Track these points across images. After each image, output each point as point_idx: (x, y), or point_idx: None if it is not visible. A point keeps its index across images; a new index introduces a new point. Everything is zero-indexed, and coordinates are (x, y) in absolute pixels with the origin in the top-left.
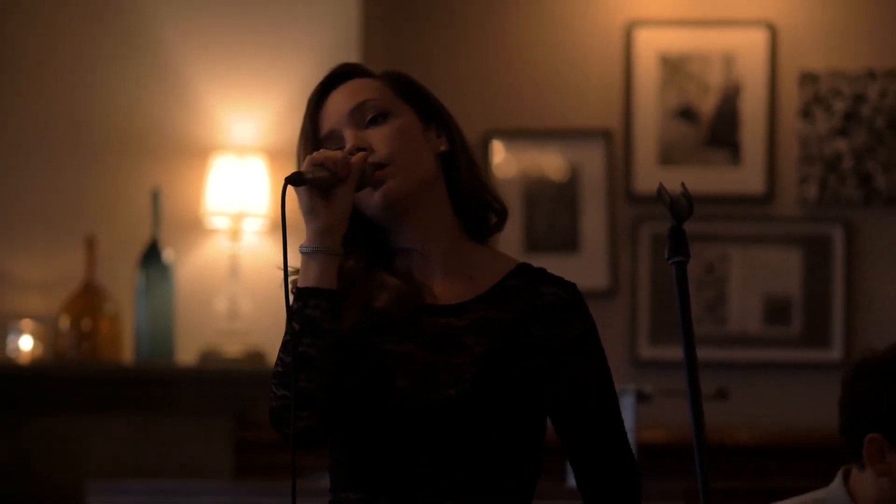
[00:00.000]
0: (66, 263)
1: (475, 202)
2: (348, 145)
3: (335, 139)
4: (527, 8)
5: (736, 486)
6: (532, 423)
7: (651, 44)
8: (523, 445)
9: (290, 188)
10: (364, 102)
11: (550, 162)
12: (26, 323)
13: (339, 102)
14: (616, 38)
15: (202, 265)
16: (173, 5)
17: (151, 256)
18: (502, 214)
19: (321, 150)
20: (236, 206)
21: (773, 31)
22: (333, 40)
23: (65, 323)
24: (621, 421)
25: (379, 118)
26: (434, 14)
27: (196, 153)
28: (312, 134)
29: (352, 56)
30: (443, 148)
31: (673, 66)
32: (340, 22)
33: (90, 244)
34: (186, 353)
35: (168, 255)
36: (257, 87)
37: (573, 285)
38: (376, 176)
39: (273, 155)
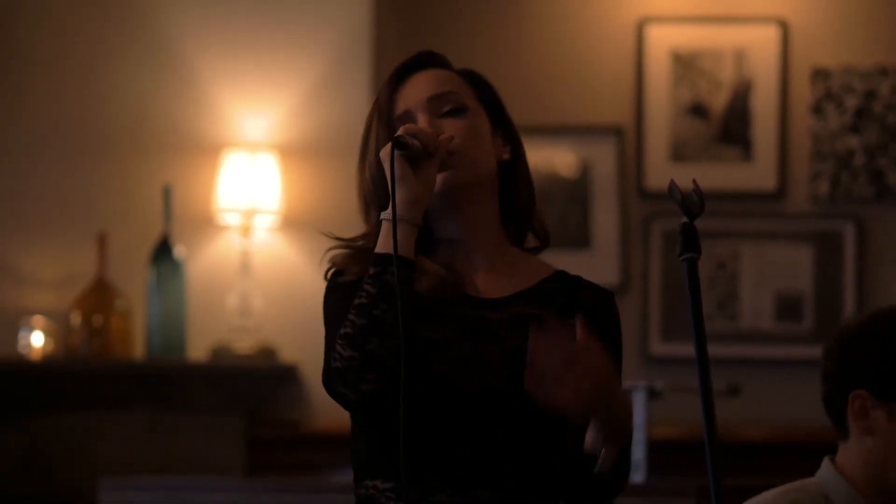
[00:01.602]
0: (77, 260)
1: (523, 217)
2: (424, 127)
3: (408, 120)
4: (539, 5)
5: (747, 483)
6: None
7: (663, 40)
8: (555, 438)
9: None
10: (446, 93)
11: (562, 158)
12: (38, 319)
13: (421, 86)
14: (628, 35)
15: (214, 262)
16: (185, 2)
17: (163, 253)
18: (544, 240)
19: (412, 125)
20: (248, 202)
21: (784, 28)
22: (345, 37)
23: (76, 319)
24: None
25: (456, 111)
26: (445, 11)
27: (207, 150)
28: (387, 110)
29: (363, 52)
30: (505, 157)
31: (685, 63)
32: (352, 19)
33: (102, 241)
34: (198, 350)
35: (179, 251)
36: (269, 84)
37: (611, 293)
38: (444, 162)
39: (284, 151)
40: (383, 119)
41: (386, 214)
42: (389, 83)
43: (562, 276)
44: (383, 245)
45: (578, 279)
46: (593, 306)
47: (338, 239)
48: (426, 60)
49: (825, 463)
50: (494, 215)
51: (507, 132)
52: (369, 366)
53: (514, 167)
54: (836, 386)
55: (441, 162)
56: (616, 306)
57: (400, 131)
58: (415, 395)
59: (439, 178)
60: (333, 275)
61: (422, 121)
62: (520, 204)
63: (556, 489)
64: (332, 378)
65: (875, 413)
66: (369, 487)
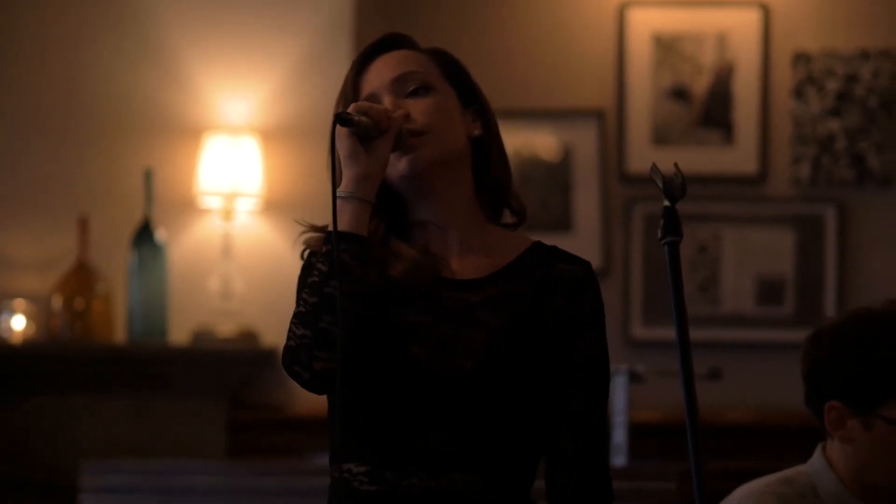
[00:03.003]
0: (58, 243)
1: (497, 192)
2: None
3: (373, 102)
4: None
5: (729, 466)
6: (541, 399)
7: (644, 24)
8: (532, 421)
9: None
10: (409, 73)
11: (543, 142)
12: (19, 303)
13: (384, 69)
14: (609, 18)
15: (195, 245)
16: None
17: (144, 236)
18: (521, 216)
19: (363, 102)
20: (229, 185)
21: (766, 11)
22: (326, 20)
23: (57, 302)
24: (605, 411)
25: (420, 90)
26: None
27: (189, 133)
28: (353, 95)
29: (344, 35)
30: (476, 133)
31: (666, 46)
32: (333, 1)
33: (83, 224)
34: (179, 333)
35: (161, 234)
36: (250, 67)
37: (588, 263)
38: (409, 142)
39: (266, 134)
40: (348, 102)
41: (339, 191)
42: (354, 68)
43: (538, 247)
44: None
45: (555, 250)
46: (571, 279)
47: (310, 226)
48: (390, 43)
49: (817, 452)
50: (468, 192)
51: (478, 107)
52: (321, 344)
53: (487, 142)
54: (812, 389)
55: (402, 140)
56: (594, 276)
57: (350, 108)
58: (391, 379)
59: (406, 159)
60: (308, 255)
61: (387, 102)
62: (493, 177)
63: (532, 473)
64: (287, 357)
65: (851, 423)
66: (343, 471)
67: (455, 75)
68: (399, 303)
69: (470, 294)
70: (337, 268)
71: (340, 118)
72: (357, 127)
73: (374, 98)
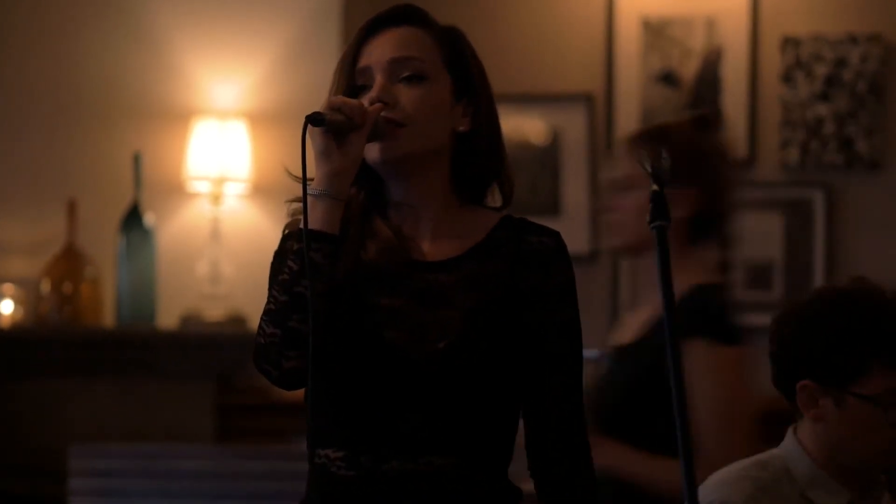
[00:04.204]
0: (47, 227)
1: (479, 182)
2: (374, 93)
3: (367, 77)
4: None
5: None
6: (517, 378)
7: (633, 8)
8: (508, 400)
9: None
10: (408, 58)
11: (532, 126)
12: (7, 286)
13: (386, 45)
14: (598, 3)
15: (183, 229)
16: None
17: (133, 220)
18: (506, 201)
19: (339, 96)
20: (217, 170)
21: None
22: (314, 4)
23: (46, 286)
24: (581, 378)
25: (415, 78)
26: None
27: (177, 117)
28: (351, 62)
29: (333, 19)
30: (461, 128)
31: (655, 31)
32: None
33: (71, 208)
34: (168, 317)
35: (149, 218)
36: (238, 52)
37: (557, 233)
38: (387, 131)
39: (254, 119)
40: (345, 68)
41: (310, 189)
42: (360, 34)
43: (507, 221)
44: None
45: (523, 222)
46: (542, 250)
47: (297, 198)
48: (402, 16)
49: (788, 435)
50: (443, 180)
51: (475, 99)
52: (291, 343)
53: (475, 136)
54: (781, 369)
55: (379, 131)
56: (564, 246)
57: (325, 105)
58: (365, 363)
59: (379, 147)
60: (282, 238)
61: (377, 84)
62: (474, 172)
63: (509, 453)
64: (258, 354)
65: (823, 401)
66: (321, 456)
67: (457, 63)
68: (372, 286)
69: (442, 275)
70: (308, 269)
71: (312, 118)
72: (330, 125)
73: (368, 72)
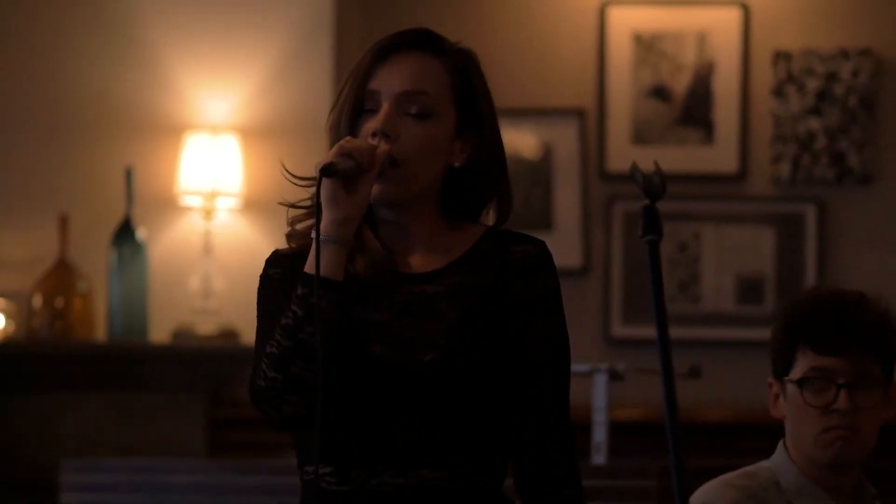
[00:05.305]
0: (39, 241)
1: (475, 206)
2: (378, 124)
3: (375, 102)
4: None
5: (709, 464)
6: (505, 388)
7: (624, 22)
8: (498, 412)
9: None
10: (417, 93)
11: (524, 140)
12: None
13: (398, 75)
14: (589, 17)
15: (175, 244)
16: None
17: (124, 234)
18: (501, 219)
19: (349, 140)
20: (209, 184)
21: (746, 10)
22: (306, 18)
23: (38, 301)
24: (567, 390)
25: (419, 116)
26: None
27: (169, 131)
28: (362, 80)
29: (325, 34)
30: (457, 164)
31: (646, 45)
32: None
33: (63, 222)
34: (160, 332)
35: (141, 233)
36: (231, 66)
37: (542, 242)
38: (386, 172)
39: (246, 133)
40: (357, 83)
41: (314, 233)
42: (373, 54)
43: (491, 233)
44: (312, 265)
45: (507, 233)
46: (526, 259)
47: (291, 204)
48: (417, 42)
49: (779, 446)
50: (431, 205)
51: (479, 130)
52: (293, 388)
53: (474, 166)
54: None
55: (381, 169)
56: (549, 255)
57: (333, 151)
58: (353, 378)
59: (374, 189)
60: (266, 263)
61: (383, 113)
62: (468, 199)
63: (503, 466)
64: (257, 395)
65: (780, 396)
66: (310, 472)
67: (465, 94)
68: (358, 301)
69: (427, 286)
70: (317, 317)
71: (325, 170)
72: (341, 174)
73: (376, 95)
